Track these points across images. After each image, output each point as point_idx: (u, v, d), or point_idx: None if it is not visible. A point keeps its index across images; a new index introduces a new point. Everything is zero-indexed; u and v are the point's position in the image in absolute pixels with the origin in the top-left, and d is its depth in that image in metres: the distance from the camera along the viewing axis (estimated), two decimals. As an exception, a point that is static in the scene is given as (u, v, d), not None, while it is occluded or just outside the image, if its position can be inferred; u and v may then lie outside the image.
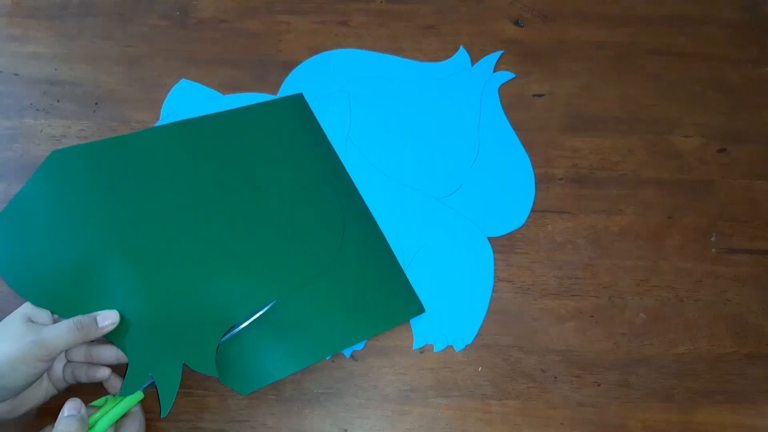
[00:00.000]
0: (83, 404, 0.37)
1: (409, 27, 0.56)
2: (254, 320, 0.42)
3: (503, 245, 0.49)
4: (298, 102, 0.52)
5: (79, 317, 0.38)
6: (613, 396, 0.45)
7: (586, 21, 0.57)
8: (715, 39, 0.56)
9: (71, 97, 0.53)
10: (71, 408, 0.36)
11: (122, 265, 0.42)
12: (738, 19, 0.57)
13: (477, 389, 0.45)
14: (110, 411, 0.37)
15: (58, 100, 0.53)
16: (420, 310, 0.46)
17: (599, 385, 0.45)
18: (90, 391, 0.40)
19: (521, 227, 0.49)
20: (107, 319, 0.39)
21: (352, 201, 0.49)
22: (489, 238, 0.49)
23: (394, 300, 0.46)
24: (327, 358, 0.44)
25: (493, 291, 0.47)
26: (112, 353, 0.40)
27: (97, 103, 0.53)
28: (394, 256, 0.47)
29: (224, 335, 0.42)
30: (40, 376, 0.38)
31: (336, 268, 0.45)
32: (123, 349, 0.40)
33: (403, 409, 0.44)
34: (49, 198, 0.44)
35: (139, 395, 0.39)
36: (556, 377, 0.45)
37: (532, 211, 0.50)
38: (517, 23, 0.57)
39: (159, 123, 0.52)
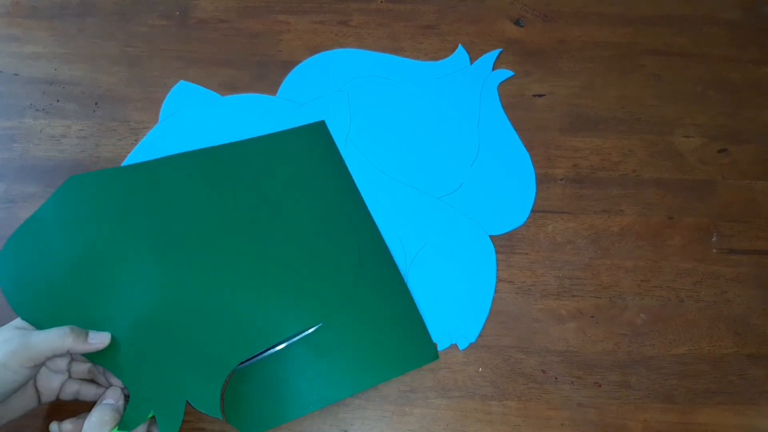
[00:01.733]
0: (123, 396, 0.37)
1: (409, 27, 0.56)
2: (268, 356, 0.41)
3: (504, 245, 0.49)
4: (319, 130, 0.51)
5: (72, 326, 0.37)
6: (614, 397, 0.44)
7: (587, 21, 0.57)
8: (716, 39, 0.56)
9: (71, 97, 0.53)
10: (110, 397, 0.37)
11: (130, 297, 0.42)
12: (738, 19, 0.57)
13: (477, 390, 0.44)
14: None
15: (57, 100, 0.53)
16: (434, 356, 0.44)
17: (600, 385, 0.45)
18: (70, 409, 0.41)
19: (522, 227, 0.49)
20: (98, 337, 0.38)
21: (369, 238, 0.47)
22: (490, 237, 0.49)
23: (408, 344, 0.44)
24: (333, 403, 0.43)
25: (494, 291, 0.47)
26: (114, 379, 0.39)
27: (96, 103, 0.53)
28: (410, 296, 0.45)
29: (239, 365, 0.41)
30: (24, 384, 0.37)
31: (349, 309, 0.43)
32: (125, 383, 0.39)
33: (403, 409, 0.44)
34: (62, 223, 0.44)
35: None
36: (556, 378, 0.45)
37: (532, 211, 0.50)
38: (517, 23, 0.56)
39: (158, 124, 0.52)
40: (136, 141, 0.51)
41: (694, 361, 0.46)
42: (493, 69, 0.54)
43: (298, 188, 0.48)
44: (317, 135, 0.51)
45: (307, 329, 0.42)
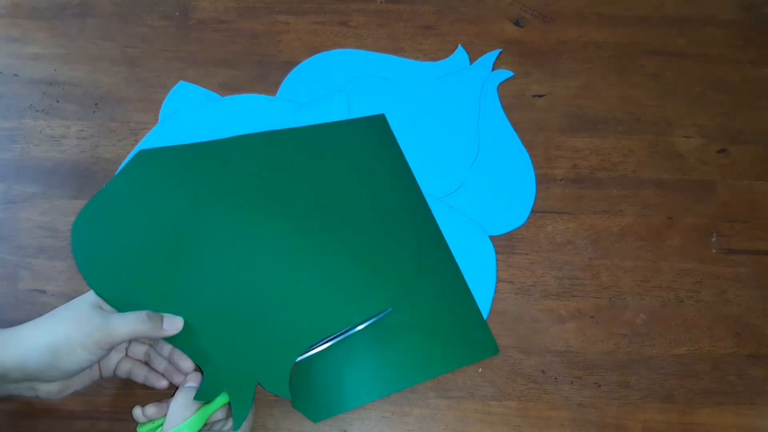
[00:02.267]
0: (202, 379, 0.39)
1: (409, 27, 0.56)
2: (332, 345, 0.42)
3: (503, 246, 0.49)
4: (379, 123, 0.52)
5: (148, 311, 0.39)
6: (614, 397, 0.45)
7: (586, 21, 0.57)
8: (715, 39, 0.56)
9: (71, 98, 0.53)
10: (192, 381, 0.39)
11: (201, 277, 0.42)
12: (738, 19, 0.57)
13: (477, 390, 0.44)
14: (223, 396, 0.39)
15: (57, 101, 0.53)
16: (495, 350, 0.45)
17: (600, 386, 0.45)
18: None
19: (522, 227, 0.49)
20: (173, 323, 0.40)
21: (428, 231, 0.48)
22: (490, 237, 0.49)
23: (468, 338, 0.45)
24: (396, 392, 0.44)
25: (494, 291, 0.47)
26: (163, 364, 0.41)
27: (96, 104, 0.53)
28: (470, 292, 0.46)
29: (302, 354, 0.42)
30: (96, 363, 0.38)
31: (412, 299, 0.44)
32: (197, 362, 0.40)
33: (403, 410, 0.44)
34: (133, 198, 0.45)
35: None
36: (556, 378, 0.45)
37: (532, 211, 0.50)
38: (517, 23, 0.56)
39: (158, 125, 0.52)
40: (136, 141, 0.51)
41: (694, 361, 0.46)
42: (493, 69, 0.54)
43: (359, 176, 0.49)
44: (376, 128, 0.51)
45: (375, 315, 0.43)
